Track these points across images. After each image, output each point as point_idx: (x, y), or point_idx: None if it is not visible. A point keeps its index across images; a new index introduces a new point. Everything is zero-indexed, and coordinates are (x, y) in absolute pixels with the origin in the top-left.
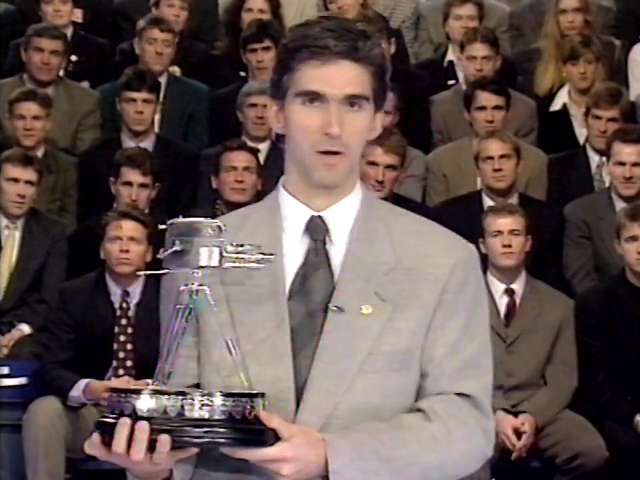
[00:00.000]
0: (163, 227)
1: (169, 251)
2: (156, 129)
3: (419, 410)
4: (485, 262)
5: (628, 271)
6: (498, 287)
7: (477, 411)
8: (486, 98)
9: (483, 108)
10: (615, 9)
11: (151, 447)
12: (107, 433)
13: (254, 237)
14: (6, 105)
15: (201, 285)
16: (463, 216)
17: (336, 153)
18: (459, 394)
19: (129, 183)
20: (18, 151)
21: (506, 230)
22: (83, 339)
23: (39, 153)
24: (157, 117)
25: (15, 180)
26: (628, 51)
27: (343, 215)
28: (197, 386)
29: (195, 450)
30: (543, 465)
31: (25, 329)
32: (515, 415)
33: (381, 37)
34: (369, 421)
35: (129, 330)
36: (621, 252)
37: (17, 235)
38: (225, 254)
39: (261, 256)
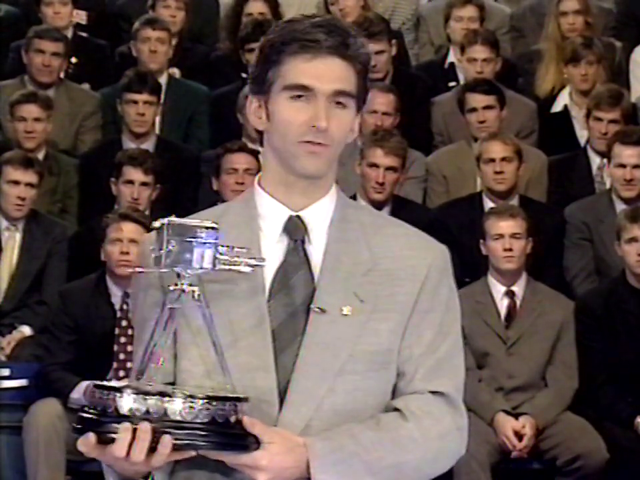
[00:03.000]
0: (156, 225)
1: (164, 251)
2: (157, 130)
3: (395, 409)
4: (486, 263)
5: (628, 273)
6: (498, 288)
7: (451, 409)
8: (475, 99)
9: (474, 109)
10: (616, 11)
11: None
12: (91, 430)
13: (230, 234)
14: (7, 107)
15: (190, 285)
16: (463, 217)
17: (320, 143)
18: (433, 392)
19: (131, 182)
20: (19, 153)
21: (507, 233)
22: (84, 341)
23: (40, 154)
24: (157, 119)
25: (16, 182)
26: (629, 52)
27: (320, 215)
28: (172, 384)
29: (193, 453)
30: (544, 466)
31: (26, 330)
32: (516, 416)
33: (381, 38)
34: (349, 422)
35: (130, 331)
36: (621, 254)
37: (18, 236)
38: (217, 256)
39: (252, 260)
